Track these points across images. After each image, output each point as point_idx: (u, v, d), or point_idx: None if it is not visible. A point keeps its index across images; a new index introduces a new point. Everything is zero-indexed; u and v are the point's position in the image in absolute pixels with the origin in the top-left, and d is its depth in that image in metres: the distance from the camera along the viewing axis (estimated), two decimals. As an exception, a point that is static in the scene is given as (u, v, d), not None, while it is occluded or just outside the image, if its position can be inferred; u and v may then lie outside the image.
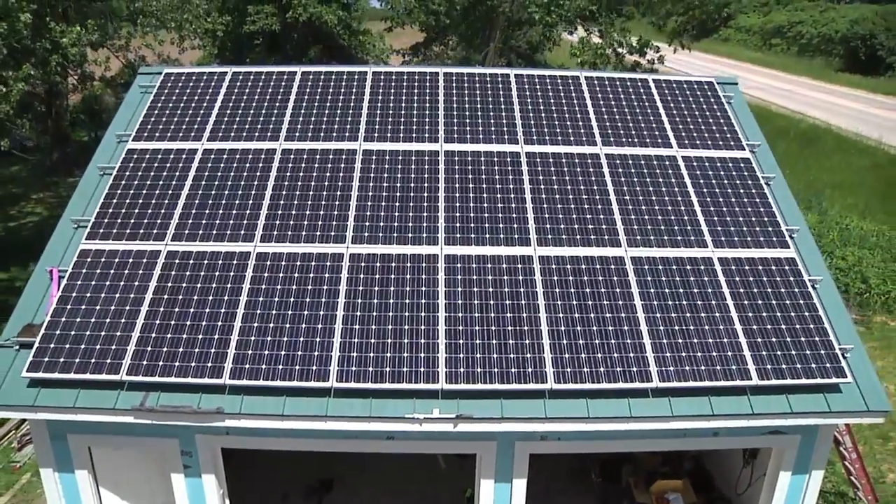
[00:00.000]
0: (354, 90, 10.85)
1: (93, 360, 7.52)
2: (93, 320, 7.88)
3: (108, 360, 7.52)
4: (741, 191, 9.63)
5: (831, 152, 28.69)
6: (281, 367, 7.57)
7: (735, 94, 11.39)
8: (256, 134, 10.08)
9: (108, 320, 7.88)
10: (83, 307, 8.00)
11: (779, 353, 7.86)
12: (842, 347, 7.98)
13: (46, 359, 7.54)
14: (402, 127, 10.25)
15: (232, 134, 10.07)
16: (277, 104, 10.57)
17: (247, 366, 7.55)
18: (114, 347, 7.63)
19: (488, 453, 8.30)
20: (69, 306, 8.01)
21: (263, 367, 7.56)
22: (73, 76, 22.57)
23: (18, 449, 12.27)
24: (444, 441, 8.11)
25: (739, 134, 10.47)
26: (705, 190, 9.60)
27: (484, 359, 7.74)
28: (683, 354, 7.81)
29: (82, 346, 7.64)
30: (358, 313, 8.06)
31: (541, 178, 9.64)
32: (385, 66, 11.56)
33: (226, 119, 10.30)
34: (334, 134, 10.11)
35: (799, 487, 8.61)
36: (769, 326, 8.09)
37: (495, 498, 8.61)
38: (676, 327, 8.04)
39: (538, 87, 11.04)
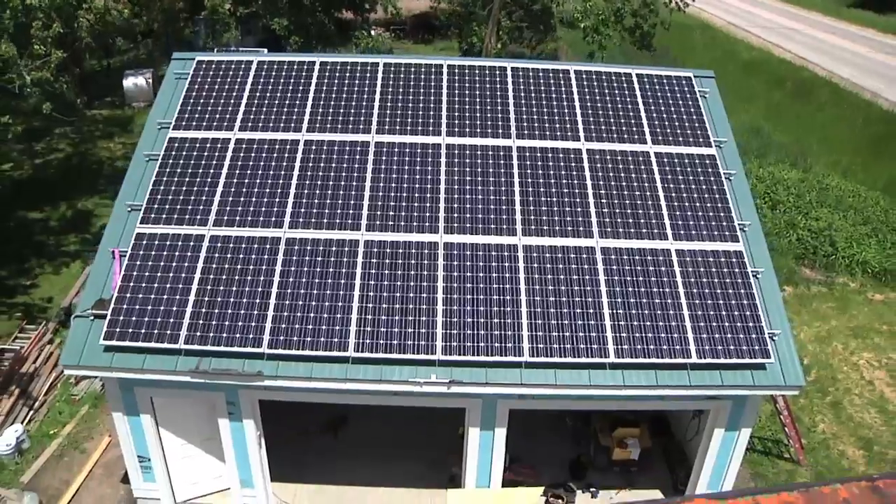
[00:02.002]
0: (367, 81, 12.13)
1: (156, 331, 9.27)
2: (152, 297, 9.57)
3: (168, 332, 9.26)
4: (703, 187, 11.06)
5: (825, 105, 29.52)
6: (309, 339, 9.29)
7: (710, 87, 12.62)
8: (282, 125, 11.46)
9: (165, 297, 9.57)
10: (143, 285, 9.67)
11: (716, 335, 9.53)
12: (770, 332, 9.64)
13: (118, 329, 9.28)
14: (409, 120, 11.61)
15: (260, 124, 11.46)
16: (299, 94, 11.89)
17: (281, 337, 9.28)
18: (172, 321, 9.36)
19: (475, 409, 10.15)
20: (132, 284, 9.68)
21: (295, 338, 9.28)
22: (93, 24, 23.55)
23: (76, 384, 14.26)
24: (439, 398, 9.90)
25: (709, 130, 11.79)
26: (671, 185, 11.04)
27: (473, 335, 9.45)
28: (637, 335, 9.50)
29: (146, 319, 9.36)
30: (371, 293, 9.71)
31: (528, 171, 11.08)
32: (395, 57, 12.73)
33: (254, 109, 11.66)
34: (350, 126, 11.49)
35: (730, 441, 10.49)
36: (711, 312, 9.73)
37: (480, 442, 10.53)
38: (633, 311, 9.70)
39: (531, 80, 12.30)
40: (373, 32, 36.57)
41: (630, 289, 9.90)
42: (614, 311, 9.67)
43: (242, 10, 30.86)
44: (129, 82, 29.71)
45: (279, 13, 29.97)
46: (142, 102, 29.73)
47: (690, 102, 12.16)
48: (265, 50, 29.04)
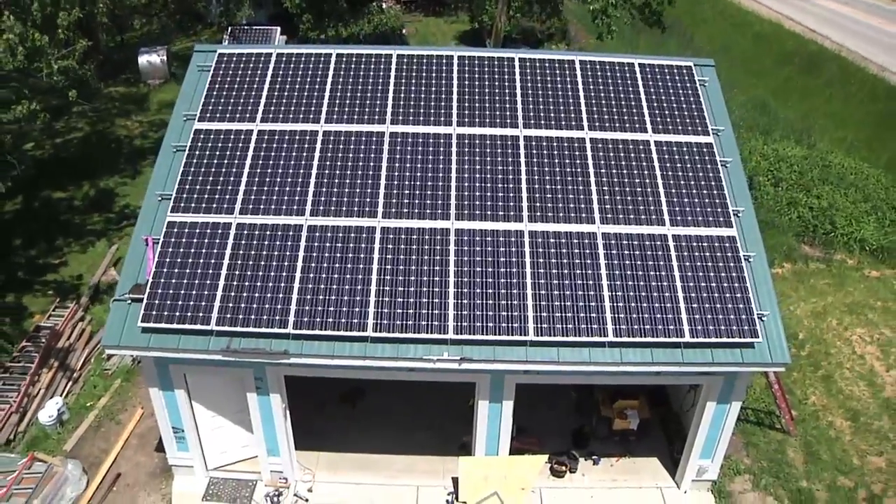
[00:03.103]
0: (382, 73, 12.70)
1: (189, 314, 10.05)
2: (185, 281, 10.33)
3: (201, 314, 10.05)
4: (700, 174, 11.65)
5: (833, 80, 29.65)
6: (330, 320, 10.06)
7: (710, 77, 13.12)
8: (301, 116, 12.08)
9: (196, 281, 10.33)
10: (176, 270, 10.43)
11: (709, 316, 10.22)
12: (759, 313, 10.32)
13: (154, 312, 10.07)
14: (421, 111, 12.20)
15: (280, 116, 12.08)
16: (317, 86, 12.48)
17: (305, 318, 10.05)
18: (203, 304, 10.13)
19: (484, 383, 10.94)
20: (165, 269, 10.44)
21: (318, 319, 10.05)
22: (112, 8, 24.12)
23: (107, 359, 15.15)
24: (451, 374, 10.66)
25: (707, 119, 12.32)
26: (670, 173, 11.63)
27: (482, 315, 10.18)
28: (634, 315, 10.20)
29: (180, 303, 10.14)
30: (388, 277, 10.44)
31: (535, 160, 11.70)
32: (407, 49, 13.24)
33: (274, 101, 12.27)
34: (366, 117, 12.11)
35: (722, 413, 11.25)
36: (704, 294, 10.40)
37: (489, 414, 11.34)
38: (631, 293, 10.39)
39: (538, 71, 12.83)
40: (384, 6, 36.81)
41: (628, 272, 10.57)
42: (613, 293, 10.37)
43: (255, -13, 31.21)
44: (143, 60, 30.22)
45: (292, -10, 30.25)
46: (157, 80, 30.29)
47: (690, 92, 12.67)
48: (278, 29, 29.52)
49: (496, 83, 12.62)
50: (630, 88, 12.64)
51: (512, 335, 10.06)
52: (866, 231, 18.99)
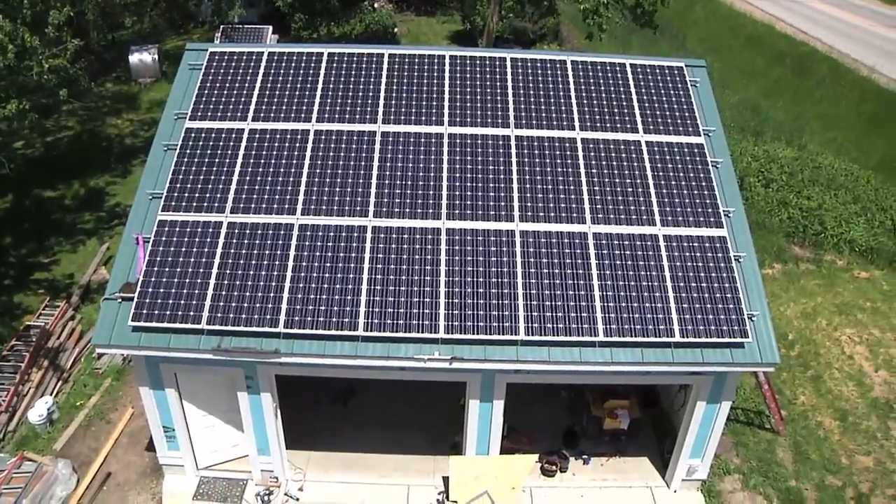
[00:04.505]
0: (374, 72, 12.70)
1: (180, 313, 10.03)
2: (176, 280, 10.30)
3: (192, 313, 10.02)
4: (691, 175, 11.69)
5: (824, 81, 29.82)
6: (321, 319, 10.05)
7: (702, 77, 13.16)
8: (292, 115, 12.07)
9: (187, 280, 10.31)
10: (167, 269, 10.41)
11: (699, 316, 10.26)
12: (749, 313, 10.36)
13: (145, 311, 10.04)
14: (413, 110, 12.20)
15: (272, 115, 12.06)
16: (309, 85, 12.47)
17: (296, 318, 10.04)
18: (194, 303, 10.11)
19: (475, 382, 10.96)
20: (156, 268, 10.41)
21: (309, 318, 10.04)
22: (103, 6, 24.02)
23: (98, 358, 15.09)
24: (442, 373, 10.67)
25: (698, 119, 12.36)
26: (661, 173, 11.67)
27: (473, 315, 10.19)
28: (625, 315, 10.23)
29: (170, 301, 10.12)
30: (378, 276, 10.44)
31: (526, 160, 11.72)
32: (399, 48, 13.24)
33: (266, 100, 12.25)
34: (357, 116, 12.10)
35: (712, 413, 11.30)
36: (695, 294, 10.45)
37: (480, 412, 11.36)
38: (622, 293, 10.42)
39: (530, 71, 12.85)
40: (376, 5, 36.81)
41: (619, 272, 10.60)
42: (604, 293, 10.40)
43: (247, -14, 31.18)
44: (134, 58, 30.10)
45: (284, -10, 30.27)
46: (148, 78, 30.18)
47: (681, 92, 12.71)
48: (270, 28, 29.45)
49: (488, 83, 12.64)
50: (621, 89, 12.68)
51: (503, 335, 10.07)
52: (856, 232, 19.10)
